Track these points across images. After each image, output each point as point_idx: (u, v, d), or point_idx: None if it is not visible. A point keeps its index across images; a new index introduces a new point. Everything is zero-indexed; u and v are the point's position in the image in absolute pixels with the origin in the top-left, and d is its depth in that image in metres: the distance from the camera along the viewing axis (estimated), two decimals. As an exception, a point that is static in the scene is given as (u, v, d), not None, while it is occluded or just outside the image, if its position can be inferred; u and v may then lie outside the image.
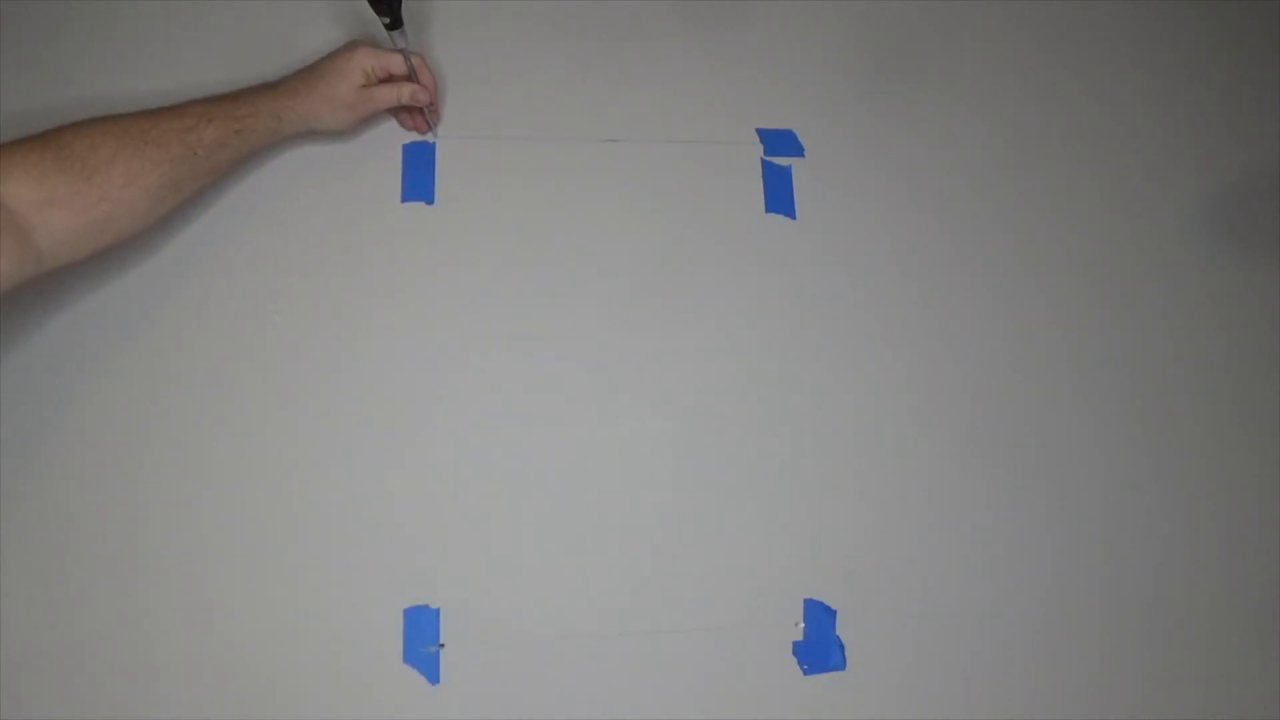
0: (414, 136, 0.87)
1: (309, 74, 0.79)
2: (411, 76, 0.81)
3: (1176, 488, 0.90)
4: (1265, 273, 0.97)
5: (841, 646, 0.81)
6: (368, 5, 0.73)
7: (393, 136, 0.87)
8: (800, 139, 0.92)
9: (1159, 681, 0.85)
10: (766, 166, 0.91)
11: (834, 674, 0.81)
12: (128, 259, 0.80)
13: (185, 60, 0.86)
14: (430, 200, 0.86)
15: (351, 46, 0.79)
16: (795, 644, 0.81)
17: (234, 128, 0.74)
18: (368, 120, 0.83)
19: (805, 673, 0.80)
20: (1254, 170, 0.99)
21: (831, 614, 0.82)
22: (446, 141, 0.87)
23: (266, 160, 0.84)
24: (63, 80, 0.84)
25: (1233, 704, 0.86)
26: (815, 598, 0.82)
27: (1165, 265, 0.96)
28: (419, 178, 0.86)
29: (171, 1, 0.88)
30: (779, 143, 0.92)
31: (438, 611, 0.77)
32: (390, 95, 0.81)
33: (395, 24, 0.75)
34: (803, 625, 0.81)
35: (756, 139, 0.92)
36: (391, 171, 0.86)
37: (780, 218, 0.90)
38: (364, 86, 0.79)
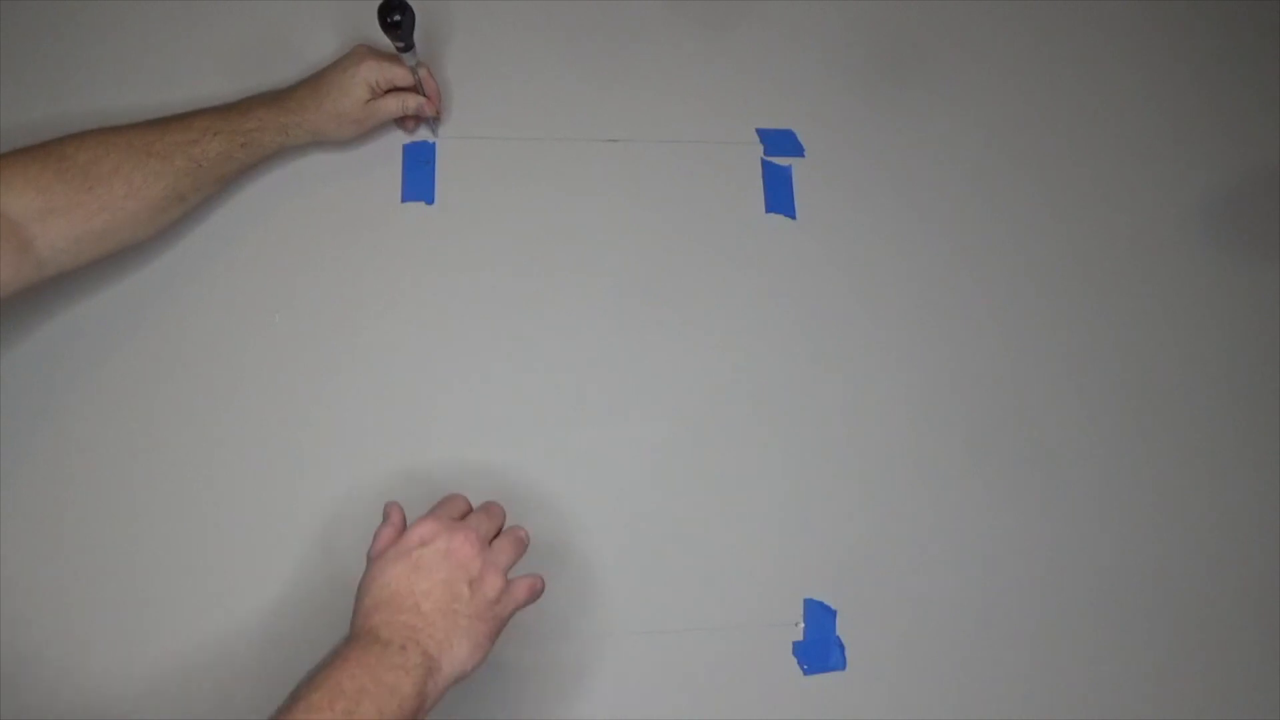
0: (415, 136, 0.87)
1: (314, 87, 0.78)
2: (417, 87, 0.81)
3: (1176, 487, 0.90)
4: (1265, 273, 0.97)
5: (841, 646, 0.81)
6: (379, 25, 0.73)
7: (393, 136, 0.87)
8: (800, 139, 0.92)
9: (1159, 682, 0.85)
10: (766, 166, 0.91)
11: (834, 674, 0.81)
12: (126, 258, 0.80)
13: (187, 65, 0.86)
14: (430, 200, 0.86)
15: (356, 59, 0.79)
16: (795, 644, 0.81)
17: (239, 141, 0.74)
18: (375, 130, 0.83)
19: (805, 673, 0.80)
20: (1254, 170, 0.99)
21: (831, 614, 0.82)
22: (446, 141, 0.87)
23: (263, 159, 0.84)
24: (64, 86, 0.84)
25: (1233, 704, 0.85)
26: (815, 598, 0.82)
27: (1165, 265, 0.96)
28: (419, 178, 0.86)
29: (172, 3, 0.87)
30: (779, 143, 0.92)
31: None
32: (395, 107, 0.81)
33: (407, 48, 0.76)
34: (803, 625, 0.81)
35: (756, 139, 0.92)
36: (392, 172, 0.86)
37: (780, 218, 0.90)
38: (369, 101, 0.79)
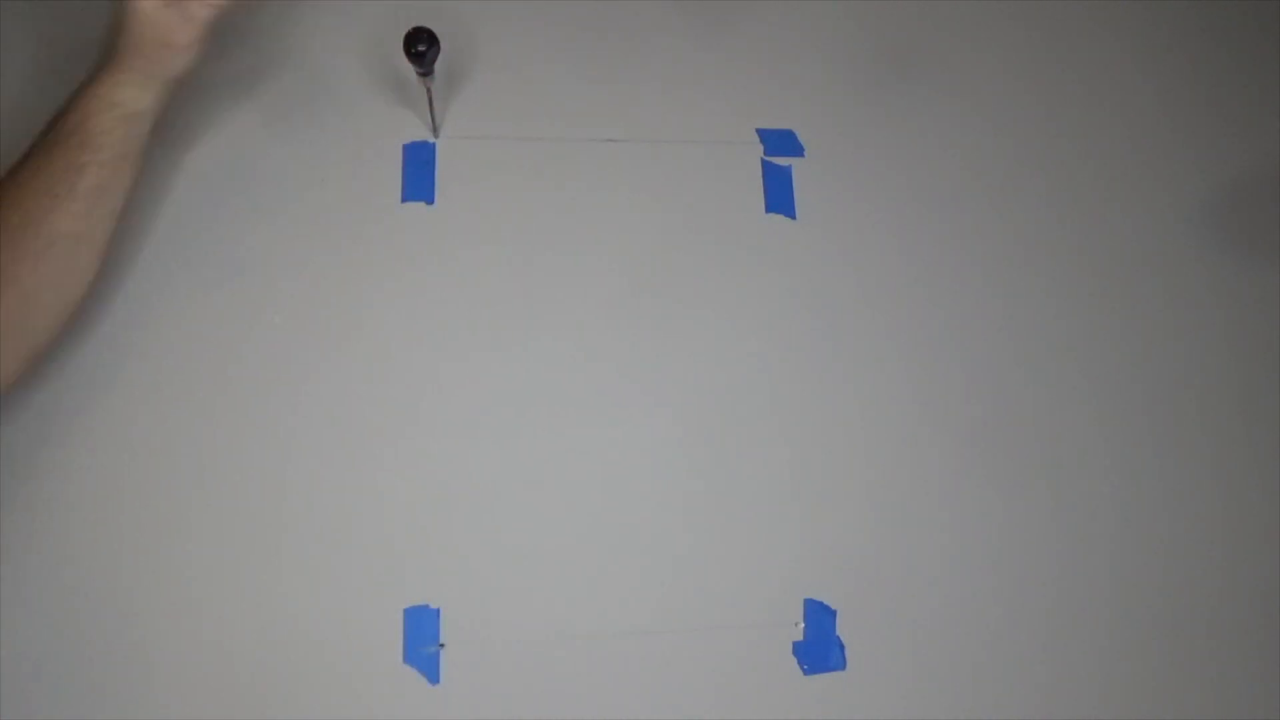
0: (414, 136, 0.87)
1: (117, 46, 0.68)
2: (430, 104, 0.81)
3: (1177, 487, 0.90)
4: (1266, 273, 0.97)
5: (842, 646, 0.81)
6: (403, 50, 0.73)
7: (393, 135, 0.87)
8: (800, 139, 0.92)
9: (1162, 682, 0.85)
10: (766, 166, 0.91)
11: (834, 674, 0.81)
12: (123, 253, 0.80)
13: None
14: (430, 200, 0.86)
15: None
16: (795, 644, 0.81)
17: (107, 169, 0.66)
18: (208, 29, 0.71)
19: (805, 673, 0.80)
20: (1255, 170, 0.99)
21: (831, 614, 0.82)
22: (446, 141, 0.87)
23: (263, 159, 0.84)
24: (64, 77, 0.84)
25: (1236, 708, 0.85)
26: (815, 598, 0.82)
27: (1166, 264, 0.95)
28: (419, 178, 0.86)
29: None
30: (779, 143, 0.92)
31: (438, 611, 0.77)
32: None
33: (427, 74, 0.76)
34: (803, 625, 0.81)
35: (756, 139, 0.92)
36: (392, 172, 0.86)
37: (780, 217, 0.90)
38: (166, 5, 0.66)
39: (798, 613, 0.82)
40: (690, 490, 0.83)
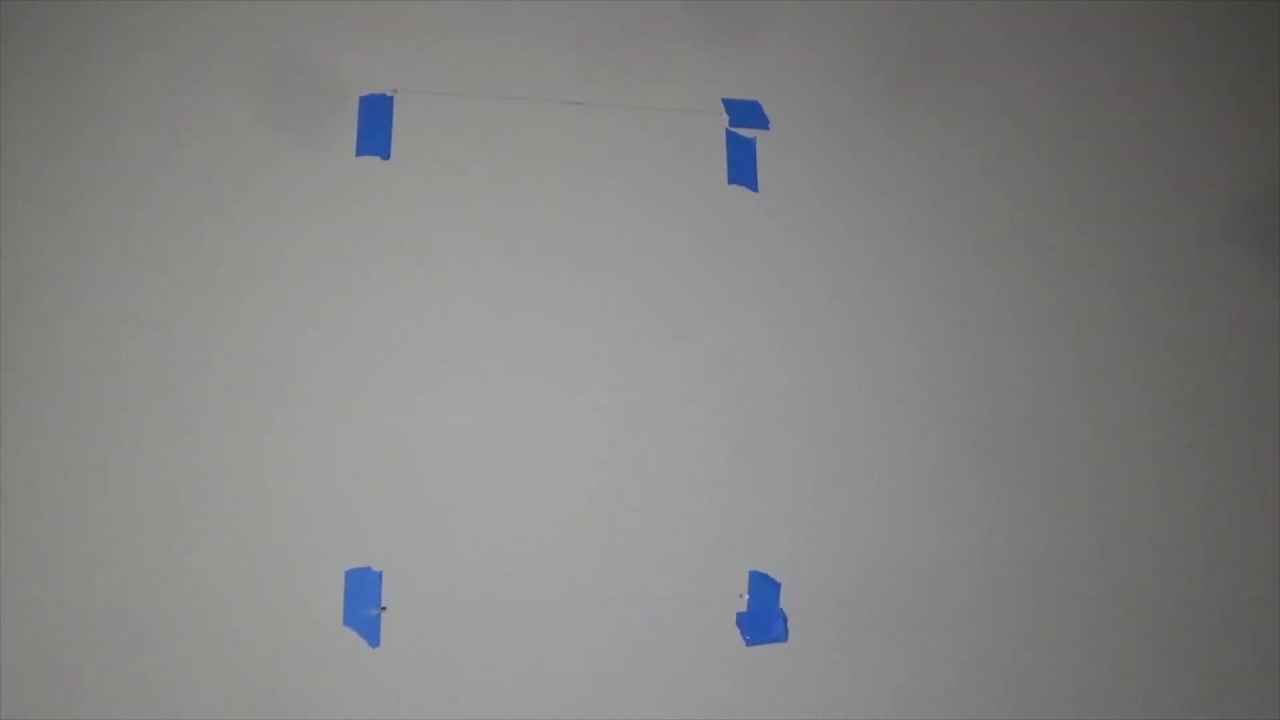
0: (371, 88, 0.84)
1: None
2: None
3: (1178, 486, 0.90)
4: (1267, 273, 0.96)
5: (784, 618, 0.82)
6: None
7: (351, 89, 0.84)
8: (766, 111, 0.91)
9: (1162, 681, 0.86)
10: (730, 137, 0.90)
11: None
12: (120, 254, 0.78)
13: (188, 61, 0.83)
14: (386, 155, 0.84)
15: None
16: (739, 615, 0.81)
17: None
18: None
19: (748, 644, 0.81)
20: (1267, 175, 0.98)
21: (775, 586, 0.82)
22: (405, 95, 0.85)
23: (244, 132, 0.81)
24: (65, 80, 0.80)
25: (1236, 707, 0.87)
26: (760, 569, 0.82)
27: (1167, 264, 0.95)
28: (375, 131, 0.84)
29: (174, 3, 0.84)
30: (744, 113, 0.91)
31: (380, 574, 0.76)
32: None
33: None
34: (747, 596, 0.82)
35: (721, 109, 0.91)
36: (347, 124, 0.84)
37: (742, 190, 0.90)
38: None
39: (743, 584, 0.82)
40: (636, 460, 0.83)
